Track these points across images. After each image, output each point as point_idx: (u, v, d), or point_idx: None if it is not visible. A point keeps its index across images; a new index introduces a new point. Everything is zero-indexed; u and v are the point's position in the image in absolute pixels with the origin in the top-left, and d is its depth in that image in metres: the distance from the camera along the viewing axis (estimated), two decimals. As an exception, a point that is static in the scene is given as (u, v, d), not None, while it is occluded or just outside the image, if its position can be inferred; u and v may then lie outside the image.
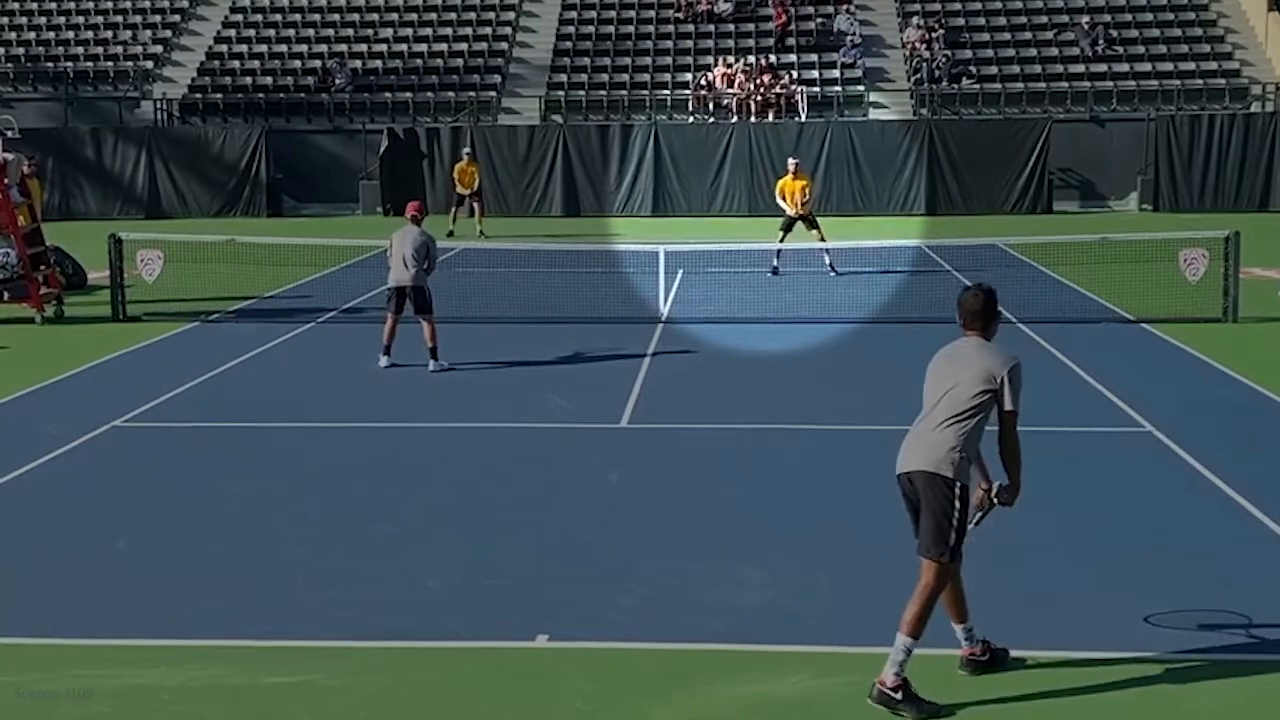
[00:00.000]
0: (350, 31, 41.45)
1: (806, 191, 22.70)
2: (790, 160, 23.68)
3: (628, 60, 39.67)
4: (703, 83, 38.16)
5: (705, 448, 11.97)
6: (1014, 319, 17.99)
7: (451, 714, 6.76)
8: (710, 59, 39.10)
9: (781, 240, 22.52)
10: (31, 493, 10.64)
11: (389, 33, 41.31)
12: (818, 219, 23.02)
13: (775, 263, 22.77)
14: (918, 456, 6.74)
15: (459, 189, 30.78)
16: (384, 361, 15.23)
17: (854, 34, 39.29)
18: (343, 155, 37.37)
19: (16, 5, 43.04)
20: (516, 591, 8.36)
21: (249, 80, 39.58)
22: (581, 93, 38.51)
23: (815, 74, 38.59)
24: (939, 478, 6.65)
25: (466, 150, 32.31)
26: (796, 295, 20.43)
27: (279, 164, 36.63)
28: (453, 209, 30.85)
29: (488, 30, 41.14)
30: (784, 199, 22.82)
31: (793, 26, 40.13)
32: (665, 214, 34.93)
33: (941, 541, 6.69)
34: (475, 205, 30.43)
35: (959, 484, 6.67)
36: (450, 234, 28.97)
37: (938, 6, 40.66)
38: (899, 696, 6.66)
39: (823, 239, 22.48)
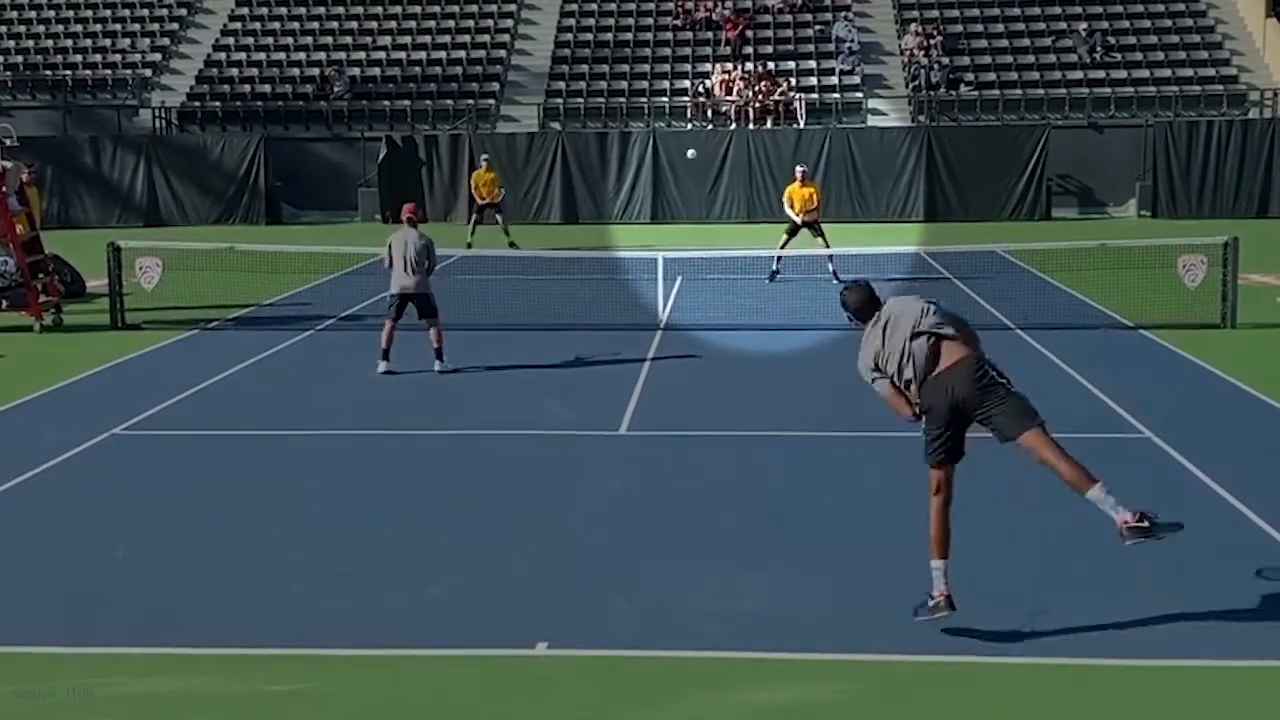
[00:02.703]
0: (349, 39, 41.49)
1: (814, 199, 22.59)
2: (798, 168, 23.57)
3: (626, 67, 39.72)
4: (701, 89, 38.20)
5: (704, 454, 11.97)
6: (1013, 325, 18.01)
7: (451, 721, 6.76)
8: (708, 66, 39.15)
9: (783, 245, 22.47)
10: (30, 500, 10.64)
11: (387, 40, 41.35)
12: (823, 226, 22.88)
13: (775, 267, 22.69)
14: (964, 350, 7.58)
15: (478, 199, 28.85)
16: (382, 366, 15.19)
17: (852, 41, 39.33)
18: (341, 162, 37.41)
19: (15, 14, 43.09)
20: (516, 598, 8.36)
21: (248, 88, 39.61)
22: (580, 99, 38.54)
23: (813, 81, 38.63)
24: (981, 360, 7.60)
25: (485, 157, 30.64)
26: (795, 301, 20.43)
27: (278, 171, 36.65)
28: (472, 220, 28.96)
29: (486, 37, 41.18)
30: (791, 206, 22.69)
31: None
32: (664, 220, 34.95)
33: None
34: (498, 216, 28.66)
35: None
36: (469, 245, 27.07)
37: (936, 13, 40.72)
38: (1149, 522, 7.13)
39: (827, 245, 22.45)
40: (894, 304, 7.80)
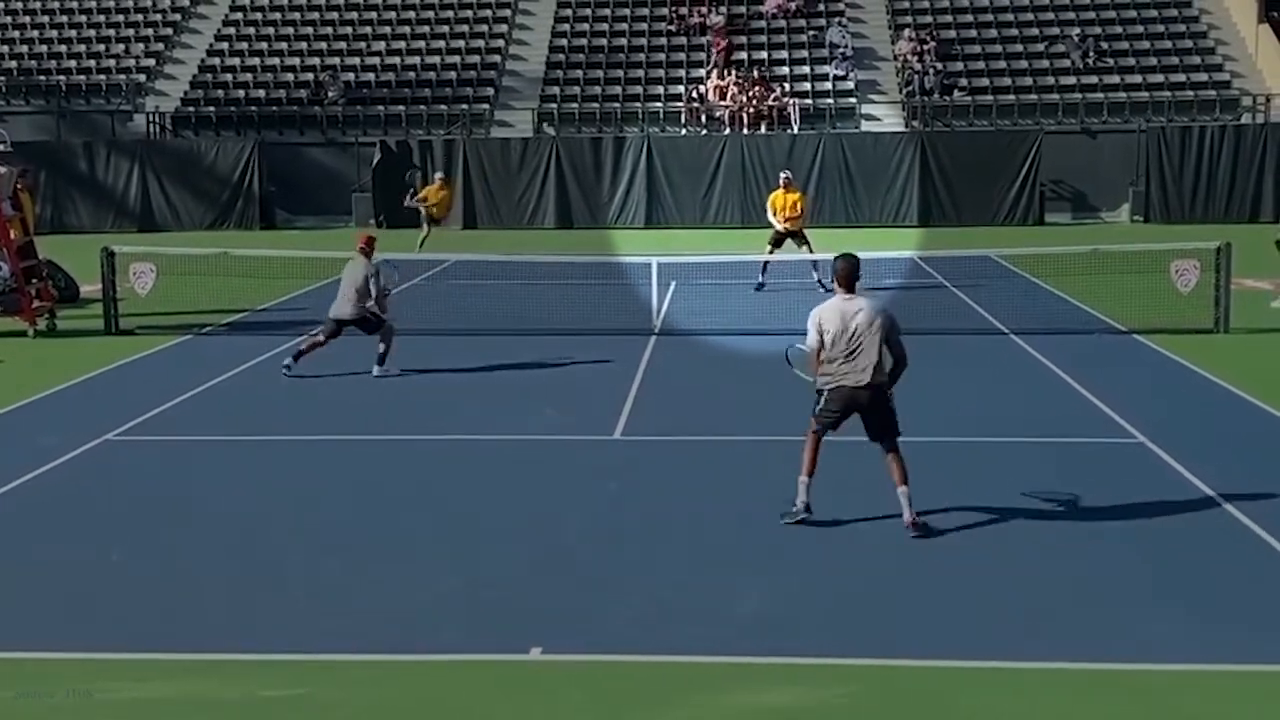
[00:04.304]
0: (343, 44, 41.50)
1: (798, 206, 22.09)
2: (781, 174, 23.11)
3: (620, 72, 39.74)
4: (695, 95, 38.24)
5: (698, 459, 11.98)
6: (1006, 330, 18.04)
7: (447, 726, 6.76)
8: (702, 71, 39.19)
9: (770, 253, 22.26)
10: (25, 505, 10.62)
11: (382, 45, 41.36)
12: (807, 234, 22.38)
13: (761, 278, 22.15)
14: (875, 375, 9.42)
15: (429, 213, 27.36)
16: (288, 363, 15.30)
17: (846, 46, 39.39)
18: (335, 167, 37.40)
19: (9, 19, 43.06)
20: (511, 604, 8.36)
21: (241, 93, 39.61)
22: (574, 105, 38.57)
23: (807, 86, 38.69)
24: (884, 387, 9.50)
25: (439, 174, 29.28)
26: (789, 305, 20.40)
27: (272, 176, 36.64)
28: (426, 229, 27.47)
29: (480, 43, 41.21)
30: (774, 214, 22.24)
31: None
32: (658, 226, 34.97)
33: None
34: (431, 226, 27.33)
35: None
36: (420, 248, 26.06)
37: (929, 19, 40.79)
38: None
39: (811, 252, 22.19)
40: (872, 302, 9.55)
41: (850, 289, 9.52)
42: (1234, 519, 9.85)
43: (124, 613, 8.27)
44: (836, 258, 9.69)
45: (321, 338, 15.44)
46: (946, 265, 24.22)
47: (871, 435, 9.69)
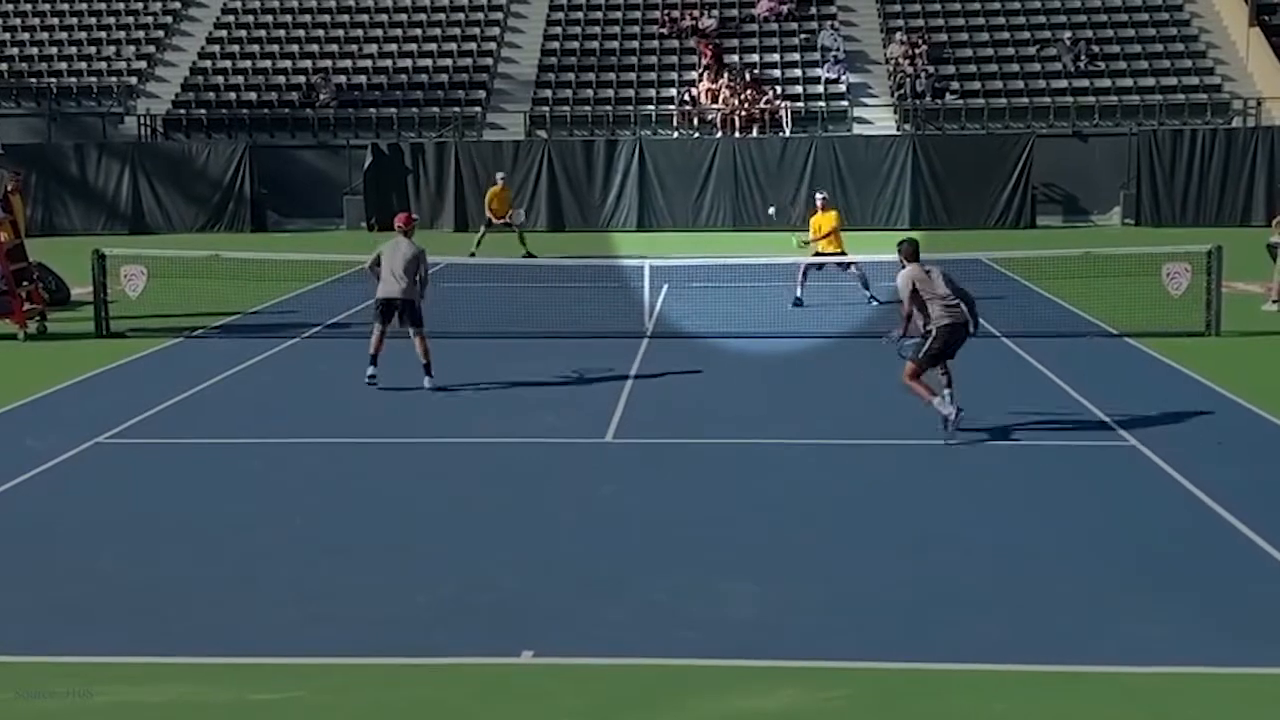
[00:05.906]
0: (335, 46, 41.44)
1: (840, 222, 20.87)
2: (818, 195, 21.71)
3: (612, 75, 39.74)
4: (687, 98, 38.26)
5: (691, 462, 11.97)
6: (998, 333, 18.05)
7: (439, 730, 6.75)
8: (694, 74, 39.21)
9: (804, 278, 20.80)
10: (15, 509, 10.60)
11: (374, 48, 41.32)
12: (846, 251, 20.87)
13: (799, 294, 20.75)
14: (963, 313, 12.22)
15: (493, 218, 29.15)
16: (370, 371, 15.04)
17: (838, 49, 39.42)
18: (327, 170, 37.33)
19: (0, 21, 42.96)
20: (503, 607, 8.35)
21: (233, 95, 39.55)
22: (566, 108, 38.56)
23: (799, 89, 38.72)
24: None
25: (501, 175, 30.74)
26: (782, 308, 20.44)
27: (263, 179, 36.56)
28: (481, 232, 29.17)
29: (472, 45, 41.18)
30: (818, 239, 20.73)
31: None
32: (650, 229, 34.97)
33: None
34: (515, 227, 29.07)
35: None
36: (472, 255, 26.91)
37: (921, 22, 40.82)
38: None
39: (858, 269, 20.86)
40: (936, 266, 12.44)
41: (917, 259, 12.26)
42: (1225, 521, 9.86)
43: (117, 615, 8.25)
44: (902, 242, 12.47)
45: (378, 326, 14.94)
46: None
47: (947, 362, 12.26)
